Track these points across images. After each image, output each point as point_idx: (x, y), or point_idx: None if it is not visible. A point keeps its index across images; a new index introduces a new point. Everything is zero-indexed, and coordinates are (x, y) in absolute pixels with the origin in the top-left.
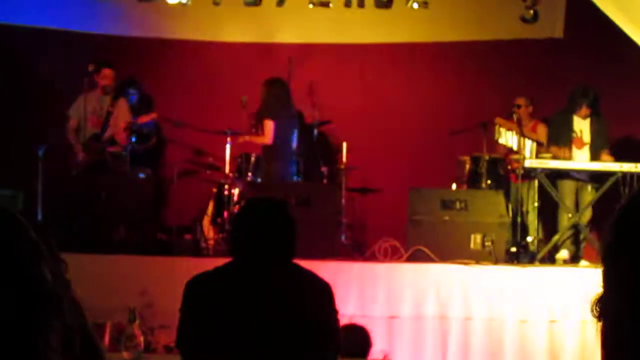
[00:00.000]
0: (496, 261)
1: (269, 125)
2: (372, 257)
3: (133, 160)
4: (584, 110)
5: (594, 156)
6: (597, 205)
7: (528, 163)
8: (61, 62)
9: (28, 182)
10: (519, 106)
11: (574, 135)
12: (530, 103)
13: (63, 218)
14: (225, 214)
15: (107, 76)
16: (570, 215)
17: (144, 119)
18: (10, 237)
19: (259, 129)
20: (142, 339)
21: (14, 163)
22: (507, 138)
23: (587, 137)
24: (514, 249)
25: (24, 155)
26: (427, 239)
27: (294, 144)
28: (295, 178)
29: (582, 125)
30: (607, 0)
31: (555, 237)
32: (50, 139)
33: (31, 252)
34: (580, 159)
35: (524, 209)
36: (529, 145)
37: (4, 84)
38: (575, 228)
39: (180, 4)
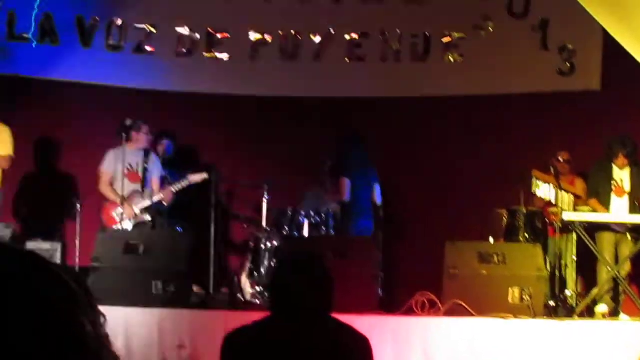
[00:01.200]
0: (534, 315)
1: (344, 183)
2: (409, 311)
3: (171, 214)
4: (622, 159)
5: (634, 206)
6: (637, 258)
7: (566, 216)
8: (97, 116)
9: (66, 234)
10: (556, 159)
11: (614, 184)
12: (568, 156)
13: (101, 270)
14: (262, 267)
15: (142, 131)
16: (609, 268)
17: (195, 179)
18: (49, 287)
19: (334, 186)
20: None
21: (52, 216)
22: (545, 191)
23: (627, 187)
24: (552, 303)
25: (61, 209)
26: (464, 293)
27: (371, 200)
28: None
29: (621, 175)
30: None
31: (594, 291)
32: (88, 192)
33: (70, 303)
34: (620, 208)
35: (563, 262)
36: (566, 198)
37: (43, 137)
38: (615, 281)
39: (215, 58)
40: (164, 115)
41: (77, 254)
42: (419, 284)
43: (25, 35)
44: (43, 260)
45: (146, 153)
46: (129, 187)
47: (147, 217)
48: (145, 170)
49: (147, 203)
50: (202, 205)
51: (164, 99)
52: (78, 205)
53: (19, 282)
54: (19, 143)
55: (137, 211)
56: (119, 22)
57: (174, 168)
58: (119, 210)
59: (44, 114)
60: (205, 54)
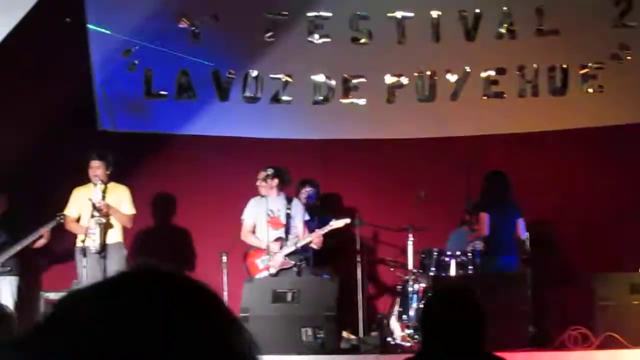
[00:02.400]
0: None
1: (483, 218)
2: (562, 346)
3: (316, 260)
4: None
5: None
6: None
7: None
8: (235, 166)
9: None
10: None
11: None
12: None
13: (250, 320)
14: (411, 309)
15: (280, 179)
16: None
17: (337, 224)
18: (229, 327)
19: (475, 222)
20: None
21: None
22: None
23: None
24: None
25: (210, 259)
26: (617, 325)
27: (515, 235)
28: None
29: None
30: None
31: None
32: (229, 242)
33: (250, 347)
34: None
35: None
36: None
37: (184, 190)
38: None
39: (352, 103)
40: (304, 162)
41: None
42: (569, 317)
43: (163, 93)
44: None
45: (288, 199)
46: (272, 234)
47: (292, 264)
48: (288, 216)
49: (291, 249)
50: (347, 250)
51: (302, 147)
52: (224, 257)
53: (201, 318)
54: (153, 198)
55: (282, 258)
56: (255, 73)
57: (316, 214)
58: (264, 257)
59: (183, 168)
60: (342, 100)
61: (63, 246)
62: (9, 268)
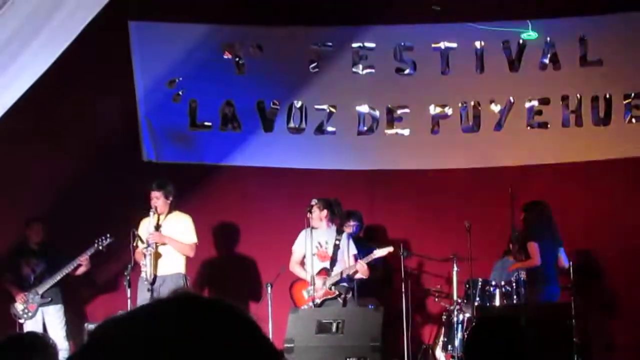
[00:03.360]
0: None
1: (534, 248)
2: None
3: (360, 290)
4: None
5: None
6: None
7: None
8: (281, 198)
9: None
10: None
11: None
12: None
13: (295, 350)
14: (456, 339)
15: (330, 211)
16: None
17: (380, 253)
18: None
19: (522, 253)
20: None
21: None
22: None
23: None
24: None
25: (255, 289)
26: None
27: (557, 265)
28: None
29: None
30: None
31: None
32: (279, 275)
33: None
34: None
35: None
36: None
37: (229, 221)
38: None
39: (396, 134)
40: (348, 193)
41: (270, 335)
42: (614, 346)
43: (207, 124)
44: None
45: (339, 231)
46: (318, 265)
47: (336, 293)
48: (336, 247)
49: (335, 279)
50: (392, 281)
51: (346, 177)
52: (269, 288)
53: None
54: (201, 228)
55: (327, 287)
56: (299, 104)
57: (361, 245)
58: (309, 288)
59: (228, 199)
60: (386, 131)
61: (106, 275)
62: (49, 299)
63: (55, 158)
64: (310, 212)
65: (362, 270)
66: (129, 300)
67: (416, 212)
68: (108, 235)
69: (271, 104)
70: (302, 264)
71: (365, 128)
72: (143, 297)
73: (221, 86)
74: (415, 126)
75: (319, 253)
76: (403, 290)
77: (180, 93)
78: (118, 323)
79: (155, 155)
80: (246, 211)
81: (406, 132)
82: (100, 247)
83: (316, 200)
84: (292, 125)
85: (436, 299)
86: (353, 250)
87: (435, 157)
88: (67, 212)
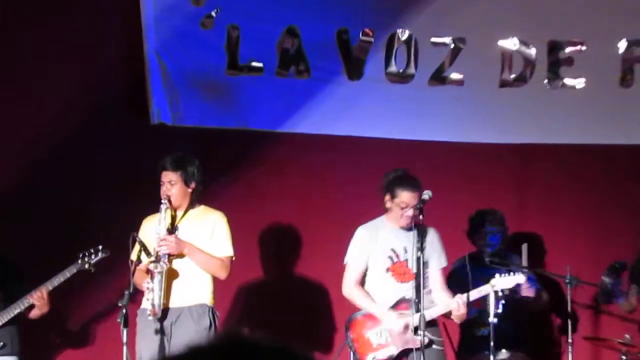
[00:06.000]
0: None
1: None
2: None
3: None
4: None
5: None
6: None
7: None
8: (366, 183)
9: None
10: None
11: None
12: None
13: None
14: None
15: None
16: None
17: (503, 283)
18: None
19: None
20: None
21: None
22: None
23: None
24: None
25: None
26: None
27: None
28: None
29: None
30: None
31: None
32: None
33: None
34: None
35: None
36: None
37: (293, 223)
38: None
39: (565, 87)
40: (485, 179)
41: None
42: None
43: (256, 64)
44: None
45: (421, 231)
46: (396, 290)
47: (427, 342)
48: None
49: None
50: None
51: (481, 154)
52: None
53: None
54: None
55: (409, 335)
56: (406, 35)
57: (498, 264)
58: (381, 328)
59: (285, 191)
60: (548, 81)
61: (90, 309)
62: (0, 344)
63: (17, 124)
64: (422, 212)
65: (457, 315)
66: (124, 349)
67: (591, 213)
68: (100, 248)
69: (360, 34)
70: (363, 283)
71: (514, 76)
72: (147, 344)
73: (279, 5)
74: (598, 74)
75: (394, 268)
76: (569, 339)
77: (214, 14)
78: None
79: (171, 116)
80: (314, 209)
81: (580, 83)
82: (87, 266)
83: (430, 194)
84: (393, 69)
85: (623, 358)
86: (443, 262)
87: (628, 129)
88: (35, 209)
